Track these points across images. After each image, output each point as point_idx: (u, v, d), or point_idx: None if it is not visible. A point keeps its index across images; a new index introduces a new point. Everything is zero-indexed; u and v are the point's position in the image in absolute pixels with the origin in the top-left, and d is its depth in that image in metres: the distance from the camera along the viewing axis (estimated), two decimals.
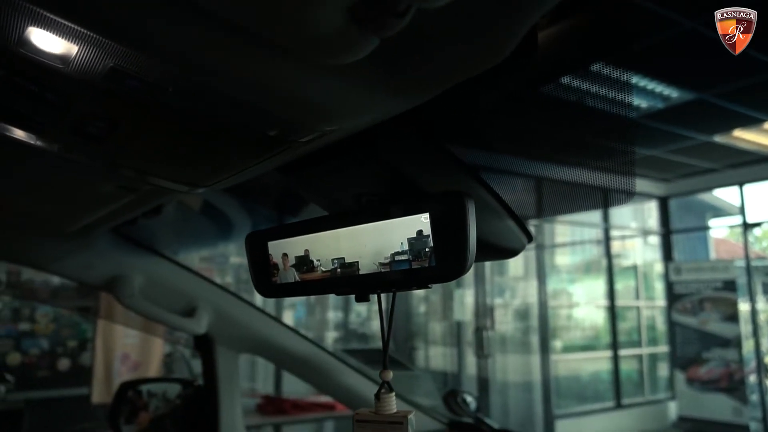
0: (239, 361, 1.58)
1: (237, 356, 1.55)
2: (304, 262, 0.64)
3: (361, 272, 0.59)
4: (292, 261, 0.65)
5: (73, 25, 0.36)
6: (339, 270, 0.61)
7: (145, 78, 0.41)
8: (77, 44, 0.38)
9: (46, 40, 0.38)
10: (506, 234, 0.71)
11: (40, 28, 0.37)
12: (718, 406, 6.63)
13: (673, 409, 7.27)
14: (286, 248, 0.65)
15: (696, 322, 6.99)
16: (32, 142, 0.60)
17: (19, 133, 0.59)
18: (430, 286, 0.57)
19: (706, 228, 8.56)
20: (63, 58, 0.40)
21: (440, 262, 0.54)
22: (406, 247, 0.56)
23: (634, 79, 4.44)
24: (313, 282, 0.63)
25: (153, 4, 0.35)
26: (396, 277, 0.57)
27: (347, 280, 0.60)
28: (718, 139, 5.94)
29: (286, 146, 0.52)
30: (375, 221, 0.58)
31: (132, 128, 0.53)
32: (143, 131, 0.54)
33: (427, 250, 0.54)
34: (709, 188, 7.65)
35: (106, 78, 0.41)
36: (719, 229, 9.29)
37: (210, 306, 1.43)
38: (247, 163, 0.58)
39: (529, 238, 0.73)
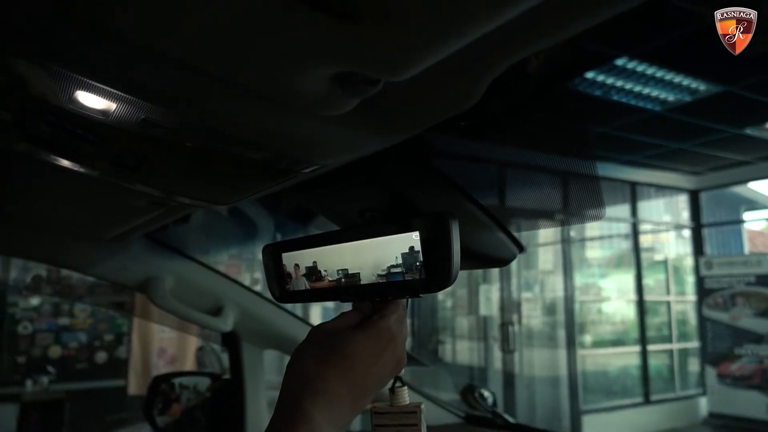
0: (266, 356, 1.67)
1: (261, 352, 1.64)
2: (313, 272, 0.72)
3: (362, 282, 0.67)
4: (302, 271, 0.73)
5: (111, 89, 0.45)
6: (343, 280, 0.69)
7: (170, 126, 0.49)
8: (115, 103, 0.46)
9: (90, 100, 0.47)
10: (497, 245, 0.77)
11: (86, 91, 0.45)
12: (751, 403, 6.51)
13: (703, 406, 7.17)
14: (297, 259, 0.73)
15: (727, 317, 6.87)
16: (77, 169, 0.70)
17: (65, 162, 0.68)
18: (420, 295, 0.64)
19: (740, 221, 8.38)
20: (104, 112, 0.48)
21: (429, 274, 0.61)
22: (400, 260, 0.63)
23: (660, 73, 4.40)
24: (321, 290, 0.71)
25: (175, 73, 0.43)
26: (391, 288, 0.64)
27: (350, 289, 0.68)
28: (750, 131, 5.82)
29: (292, 175, 0.60)
30: (373, 238, 0.65)
31: (160, 159, 0.61)
32: (170, 162, 0.62)
33: (417, 264, 0.61)
34: (742, 181, 7.48)
35: (138, 126, 0.50)
36: (755, 221, 9.07)
37: (235, 305, 1.53)
38: (259, 187, 0.67)
39: (520, 248, 0.79)
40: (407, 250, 0.62)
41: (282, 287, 0.75)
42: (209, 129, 0.50)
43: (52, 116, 0.50)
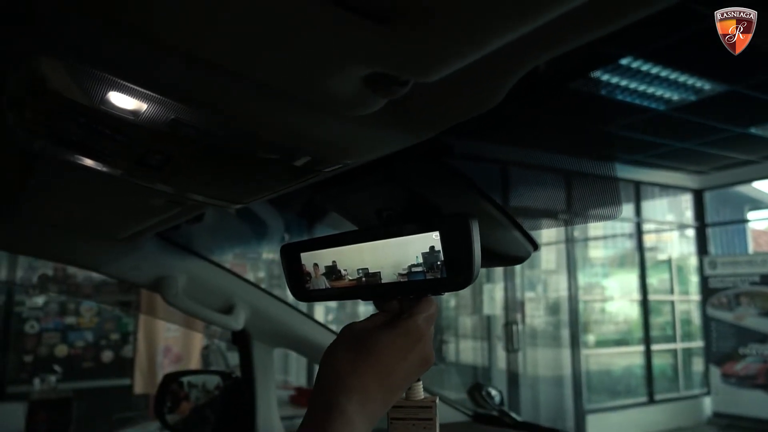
0: (273, 355, 1.68)
1: (272, 350, 1.65)
2: (332, 272, 0.72)
3: (383, 281, 0.68)
4: (322, 270, 0.74)
5: (143, 90, 0.45)
6: (364, 279, 0.69)
7: (199, 126, 0.50)
8: (146, 103, 0.47)
9: (122, 100, 0.47)
10: (512, 243, 0.78)
11: (118, 92, 0.46)
12: (756, 403, 6.51)
13: (708, 405, 7.17)
14: (316, 259, 0.74)
15: (732, 317, 6.86)
16: (99, 168, 0.70)
17: (88, 162, 0.69)
18: (442, 293, 0.65)
19: (744, 221, 8.37)
20: (134, 113, 0.49)
21: (450, 273, 0.62)
22: (420, 260, 0.64)
23: (665, 72, 4.40)
24: (342, 289, 0.72)
25: (206, 73, 0.44)
26: (413, 286, 0.65)
27: (371, 288, 0.69)
28: (755, 130, 5.80)
29: (314, 174, 0.60)
30: (393, 237, 0.66)
31: (185, 159, 0.62)
32: (194, 161, 0.63)
33: (438, 263, 0.62)
34: (746, 180, 7.47)
35: (167, 126, 0.50)
36: (760, 221, 9.05)
37: (246, 303, 1.53)
38: (279, 186, 0.68)
39: (535, 246, 0.80)
40: (428, 250, 0.63)
41: (302, 286, 0.76)
42: (238, 129, 0.51)
43: (82, 117, 0.51)
